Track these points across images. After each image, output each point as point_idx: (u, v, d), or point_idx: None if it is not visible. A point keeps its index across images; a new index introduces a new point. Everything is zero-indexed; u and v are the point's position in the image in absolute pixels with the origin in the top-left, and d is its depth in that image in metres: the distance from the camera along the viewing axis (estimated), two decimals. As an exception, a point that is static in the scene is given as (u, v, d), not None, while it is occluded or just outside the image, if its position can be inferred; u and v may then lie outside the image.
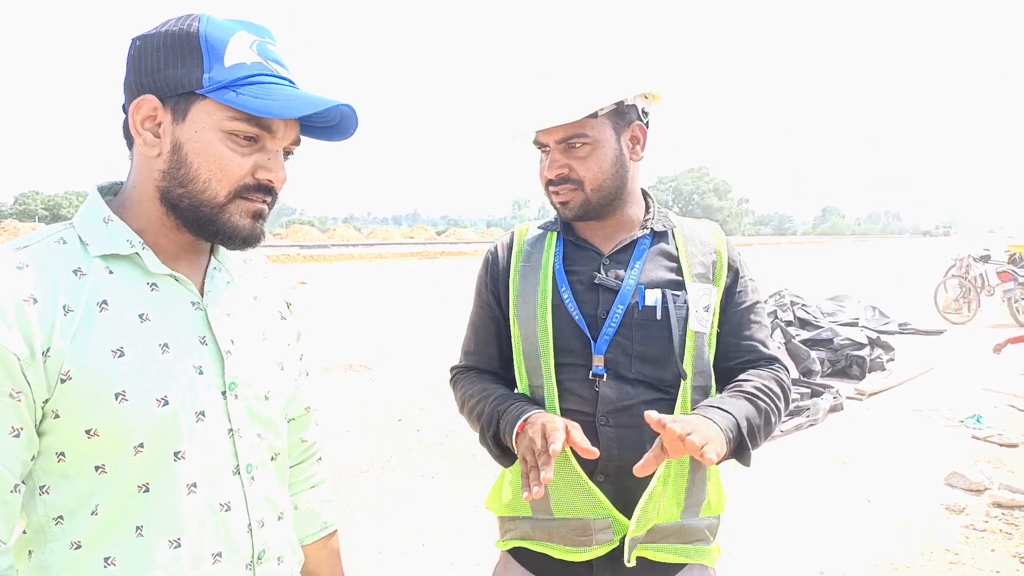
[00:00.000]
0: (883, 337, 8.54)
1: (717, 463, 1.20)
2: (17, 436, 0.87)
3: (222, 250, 1.10)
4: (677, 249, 1.46)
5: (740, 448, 1.31)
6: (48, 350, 0.86)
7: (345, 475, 4.51)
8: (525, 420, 1.31)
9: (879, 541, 3.66)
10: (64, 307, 0.88)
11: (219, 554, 0.98)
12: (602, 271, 1.43)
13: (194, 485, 0.95)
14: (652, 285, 1.41)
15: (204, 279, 1.05)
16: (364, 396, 6.53)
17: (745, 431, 1.30)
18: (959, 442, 5.26)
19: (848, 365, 7.54)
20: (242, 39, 0.96)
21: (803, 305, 9.12)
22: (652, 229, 1.47)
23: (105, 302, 0.91)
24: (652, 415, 1.14)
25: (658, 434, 1.17)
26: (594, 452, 1.22)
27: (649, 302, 1.39)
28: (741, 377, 1.42)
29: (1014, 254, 13.76)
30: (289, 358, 1.15)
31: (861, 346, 7.69)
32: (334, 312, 12.29)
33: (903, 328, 10.49)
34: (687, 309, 1.39)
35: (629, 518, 1.34)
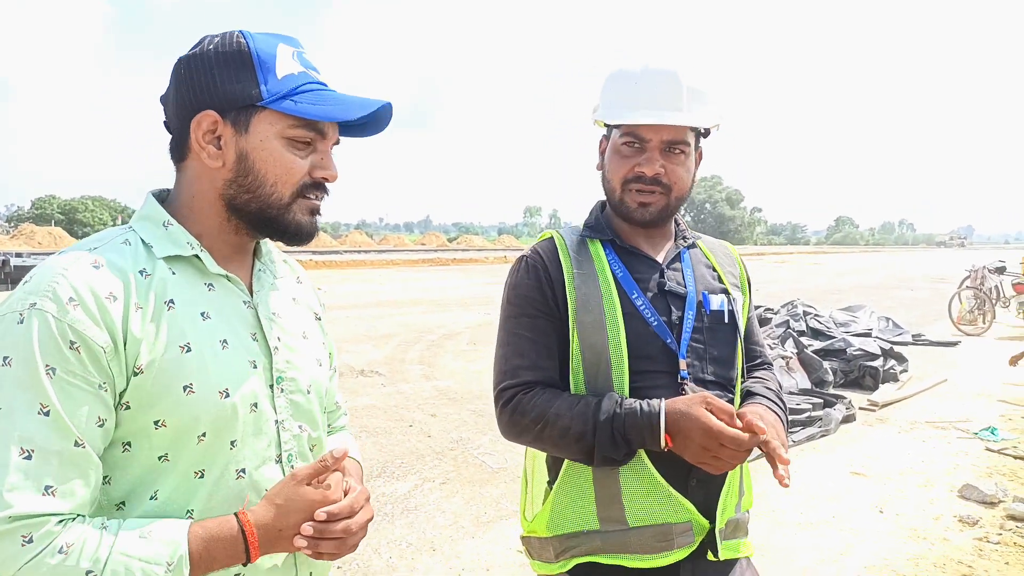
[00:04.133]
0: (896, 348, 8.47)
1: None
2: (102, 426, 0.92)
3: (265, 253, 1.18)
4: (709, 259, 1.55)
5: None
6: (126, 344, 0.92)
7: (356, 480, 4.52)
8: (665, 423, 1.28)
9: (891, 553, 3.63)
10: (136, 304, 0.94)
11: None
12: (665, 278, 1.46)
13: (242, 471, 1.02)
14: (709, 291, 1.48)
15: (251, 280, 1.12)
16: (375, 401, 6.56)
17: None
18: (973, 454, 5.21)
19: (861, 376, 7.50)
20: (285, 51, 1.03)
21: (816, 315, 9.08)
22: (689, 240, 1.55)
23: (172, 301, 0.98)
24: (752, 422, 1.21)
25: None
26: (763, 429, 1.23)
27: (715, 306, 1.47)
28: (761, 387, 1.53)
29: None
30: (324, 356, 1.23)
31: (874, 357, 7.63)
32: (346, 317, 12.35)
33: (917, 339, 10.40)
34: (736, 314, 1.50)
35: (706, 516, 1.39)
